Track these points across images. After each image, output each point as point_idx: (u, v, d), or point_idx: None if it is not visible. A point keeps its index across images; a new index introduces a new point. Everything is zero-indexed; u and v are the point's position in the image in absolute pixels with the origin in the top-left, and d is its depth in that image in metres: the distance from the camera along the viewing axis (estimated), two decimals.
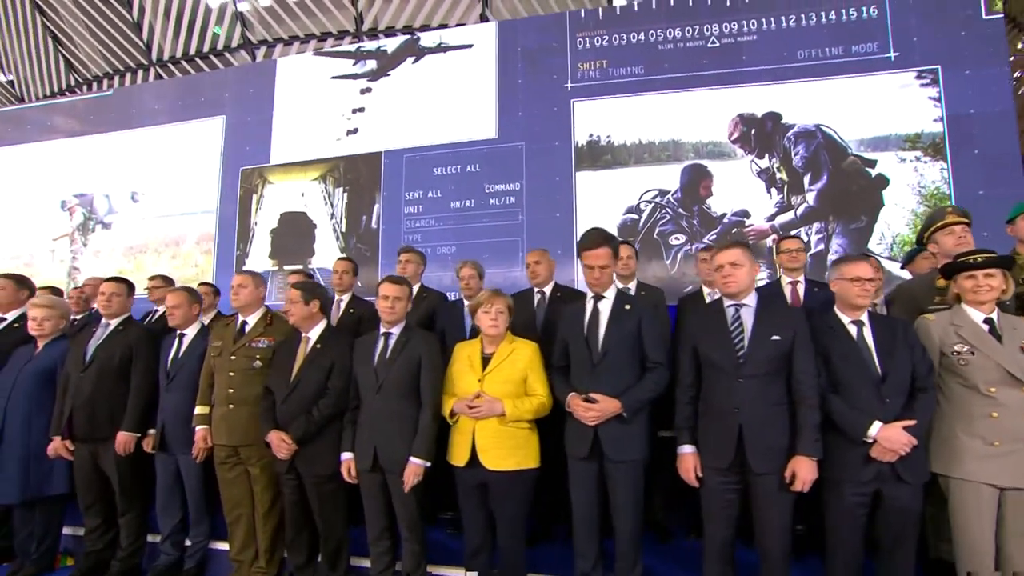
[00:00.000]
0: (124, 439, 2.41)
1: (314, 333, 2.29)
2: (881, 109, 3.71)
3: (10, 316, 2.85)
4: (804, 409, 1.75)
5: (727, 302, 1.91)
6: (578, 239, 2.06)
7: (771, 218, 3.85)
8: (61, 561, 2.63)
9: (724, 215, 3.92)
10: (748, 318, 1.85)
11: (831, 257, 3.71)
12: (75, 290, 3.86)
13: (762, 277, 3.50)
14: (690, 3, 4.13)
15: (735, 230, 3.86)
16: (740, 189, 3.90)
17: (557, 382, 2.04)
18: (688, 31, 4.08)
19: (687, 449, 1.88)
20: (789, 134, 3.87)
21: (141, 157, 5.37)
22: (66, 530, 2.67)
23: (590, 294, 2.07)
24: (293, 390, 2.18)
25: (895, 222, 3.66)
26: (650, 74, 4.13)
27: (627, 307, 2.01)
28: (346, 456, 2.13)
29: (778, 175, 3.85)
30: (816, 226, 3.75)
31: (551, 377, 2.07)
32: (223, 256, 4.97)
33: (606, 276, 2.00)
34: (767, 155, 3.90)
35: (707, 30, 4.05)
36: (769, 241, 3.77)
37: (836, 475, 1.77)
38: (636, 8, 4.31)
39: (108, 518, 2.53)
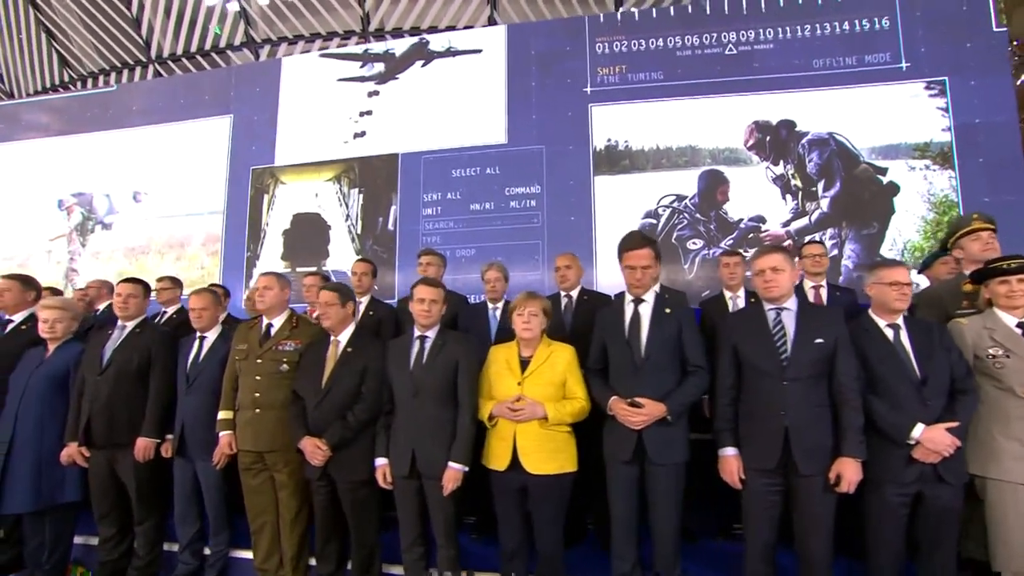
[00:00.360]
0: (144, 445, 2.34)
1: (344, 336, 2.25)
2: (892, 118, 3.80)
3: (17, 318, 2.76)
4: (847, 411, 1.77)
5: (767, 306, 1.92)
6: (619, 241, 2.06)
7: (786, 224, 3.91)
8: (72, 572, 2.54)
9: (740, 220, 3.96)
10: (790, 322, 1.87)
11: (844, 263, 3.78)
12: (78, 291, 3.76)
13: None
14: (707, 11, 4.19)
15: (751, 235, 3.91)
16: (756, 195, 3.96)
17: (596, 385, 2.03)
18: (706, 38, 4.13)
19: (730, 451, 1.89)
20: (803, 141, 3.94)
21: (144, 156, 5.22)
22: (77, 539, 2.57)
23: (628, 297, 2.07)
24: (326, 395, 2.13)
25: (906, 228, 3.75)
26: (668, 80, 4.16)
27: (667, 310, 2.01)
28: (380, 462, 2.10)
29: (793, 182, 3.91)
30: (830, 232, 3.82)
31: (589, 380, 2.06)
32: (231, 257, 4.85)
33: (647, 277, 2.01)
34: (782, 162, 3.96)
35: (724, 38, 4.10)
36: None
37: (878, 476, 1.79)
38: (655, 14, 4.34)
39: (124, 527, 2.45)
